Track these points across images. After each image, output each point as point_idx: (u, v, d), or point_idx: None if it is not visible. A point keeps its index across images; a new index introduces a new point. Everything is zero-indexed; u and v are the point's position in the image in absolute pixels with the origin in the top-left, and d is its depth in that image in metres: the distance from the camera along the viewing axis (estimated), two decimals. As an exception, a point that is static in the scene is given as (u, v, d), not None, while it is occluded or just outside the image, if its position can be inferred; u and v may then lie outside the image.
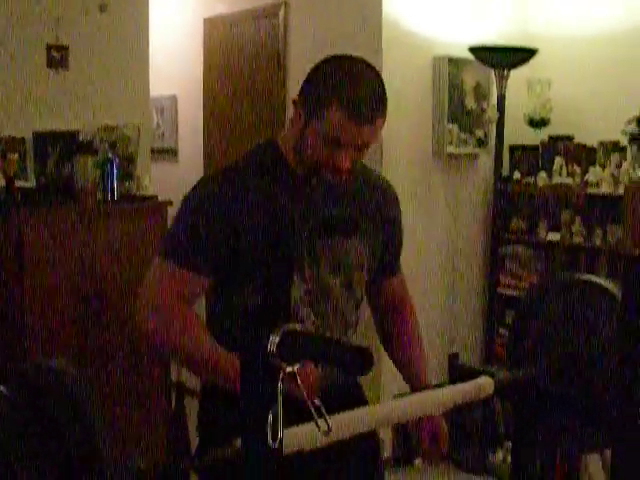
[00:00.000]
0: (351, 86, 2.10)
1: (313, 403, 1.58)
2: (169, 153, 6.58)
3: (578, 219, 5.10)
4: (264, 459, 1.53)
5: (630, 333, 2.25)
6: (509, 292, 5.36)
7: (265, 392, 1.50)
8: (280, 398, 1.49)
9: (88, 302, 3.98)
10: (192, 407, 4.95)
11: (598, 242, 5.00)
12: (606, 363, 2.50)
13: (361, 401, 2.46)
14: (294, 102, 2.22)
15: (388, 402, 2.16)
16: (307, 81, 2.20)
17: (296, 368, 1.50)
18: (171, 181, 6.02)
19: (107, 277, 4.04)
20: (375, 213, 2.40)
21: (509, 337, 2.88)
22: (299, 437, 1.72)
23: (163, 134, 6.59)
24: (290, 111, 2.29)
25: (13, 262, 3.82)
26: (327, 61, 2.21)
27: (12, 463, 1.46)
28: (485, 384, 2.38)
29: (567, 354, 2.60)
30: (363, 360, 1.43)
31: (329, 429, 1.59)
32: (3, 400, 1.58)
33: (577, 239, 5.09)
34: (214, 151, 6.21)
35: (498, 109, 5.22)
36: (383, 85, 2.18)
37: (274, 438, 1.49)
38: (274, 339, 1.49)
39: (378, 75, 2.20)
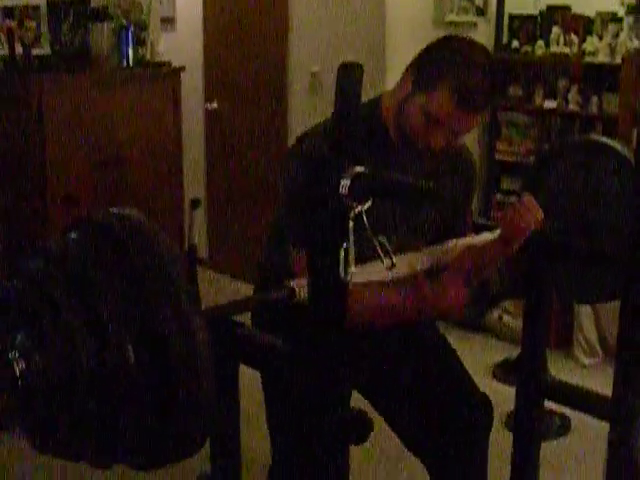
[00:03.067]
0: (467, 74, 2.13)
1: (378, 240, 1.73)
2: (166, 22, 6.57)
3: (574, 87, 5.23)
4: (335, 292, 1.70)
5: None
6: (506, 158, 5.51)
7: (337, 231, 1.66)
8: (352, 236, 1.65)
9: (107, 167, 4.10)
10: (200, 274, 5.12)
11: (594, 110, 5.14)
12: (617, 220, 2.64)
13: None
14: (407, 68, 2.25)
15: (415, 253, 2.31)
16: (425, 52, 2.24)
17: (365, 207, 1.65)
18: (168, 50, 6.06)
19: (125, 142, 4.15)
20: (450, 187, 2.46)
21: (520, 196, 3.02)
22: (366, 272, 1.89)
23: (160, 2, 6.57)
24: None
25: (34, 128, 3.92)
26: (448, 39, 2.25)
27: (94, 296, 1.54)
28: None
29: (578, 211, 2.74)
30: (428, 195, 1.59)
31: (392, 264, 1.75)
32: (77, 245, 1.66)
33: (573, 107, 5.23)
34: (214, 18, 6.21)
35: (499, -23, 5.29)
36: (497, 75, 2.22)
37: (346, 272, 1.65)
38: (345, 182, 1.64)
39: (493, 63, 2.23)
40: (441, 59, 2.19)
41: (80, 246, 1.64)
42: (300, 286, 1.91)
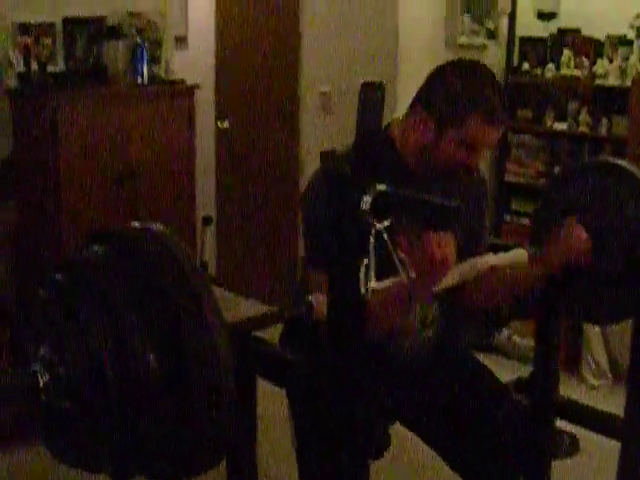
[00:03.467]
0: (484, 93, 2.23)
1: (398, 256, 1.76)
2: (179, 40, 6.59)
3: (584, 110, 5.27)
4: (353, 305, 1.72)
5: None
6: (515, 179, 5.55)
7: (358, 246, 1.68)
8: (372, 251, 1.67)
9: (121, 184, 4.12)
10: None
11: (603, 132, 5.17)
12: (631, 241, 2.65)
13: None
14: (413, 106, 2.31)
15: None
16: (433, 89, 2.29)
17: (386, 224, 1.68)
18: (181, 68, 6.09)
19: (139, 158, 4.17)
20: (465, 205, 2.42)
21: (534, 218, 3.02)
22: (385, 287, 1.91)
23: (174, 21, 6.60)
24: None
25: (49, 144, 3.94)
26: (449, 68, 2.31)
27: (119, 314, 1.54)
28: (520, 254, 2.55)
29: (593, 232, 2.75)
30: (449, 215, 1.61)
31: (410, 278, 1.78)
32: (100, 257, 1.67)
33: (583, 129, 5.27)
34: (226, 37, 6.23)
35: (511, 1, 5.32)
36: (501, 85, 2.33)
37: (366, 288, 1.68)
38: (367, 199, 1.66)
39: (494, 75, 2.33)
40: (455, 90, 2.24)
41: (105, 259, 1.65)
42: (319, 302, 1.93)
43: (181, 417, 1.56)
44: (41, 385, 1.54)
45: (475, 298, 2.57)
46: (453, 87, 2.25)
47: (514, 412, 2.64)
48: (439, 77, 2.30)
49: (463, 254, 2.50)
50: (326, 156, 2.30)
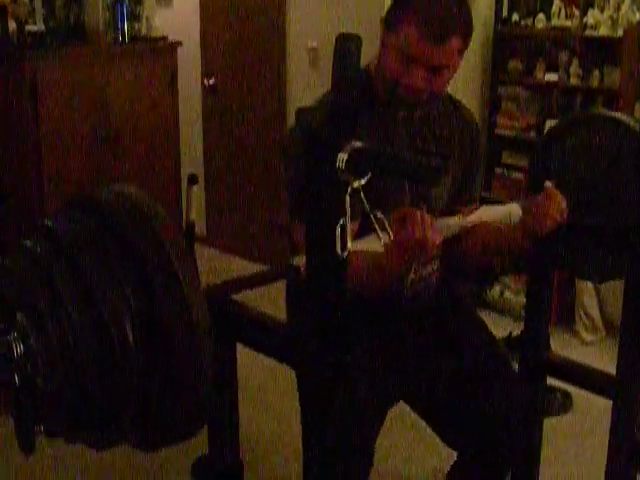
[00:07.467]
0: (428, 5, 2.10)
1: (375, 215, 1.69)
2: (162, -1, 6.51)
3: (575, 61, 5.18)
4: (332, 269, 1.66)
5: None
6: (506, 132, 5.46)
7: (334, 206, 1.61)
8: (348, 211, 1.60)
9: (102, 144, 4.05)
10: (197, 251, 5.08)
11: (595, 83, 5.09)
12: (627, 194, 2.59)
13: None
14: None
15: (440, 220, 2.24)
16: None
17: (362, 182, 1.61)
18: (165, 25, 6.00)
19: (121, 118, 4.11)
20: (458, 150, 2.43)
21: (529, 172, 2.95)
22: (363, 245, 1.84)
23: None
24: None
25: (28, 105, 3.87)
26: None
27: (87, 275, 1.51)
28: (514, 208, 2.47)
29: (588, 185, 2.68)
30: (430, 171, 1.54)
31: (390, 238, 1.71)
32: (72, 221, 1.62)
33: (574, 80, 5.18)
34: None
35: (499, -50, 5.23)
36: (464, 6, 2.16)
37: (343, 249, 1.61)
38: (343, 156, 1.59)
39: None
40: None
41: (79, 226, 1.61)
42: (304, 264, 1.86)
43: (160, 387, 1.52)
44: (16, 356, 1.49)
45: (467, 252, 2.50)
46: None
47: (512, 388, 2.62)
48: None
49: (457, 194, 2.46)
50: (300, 112, 2.24)
